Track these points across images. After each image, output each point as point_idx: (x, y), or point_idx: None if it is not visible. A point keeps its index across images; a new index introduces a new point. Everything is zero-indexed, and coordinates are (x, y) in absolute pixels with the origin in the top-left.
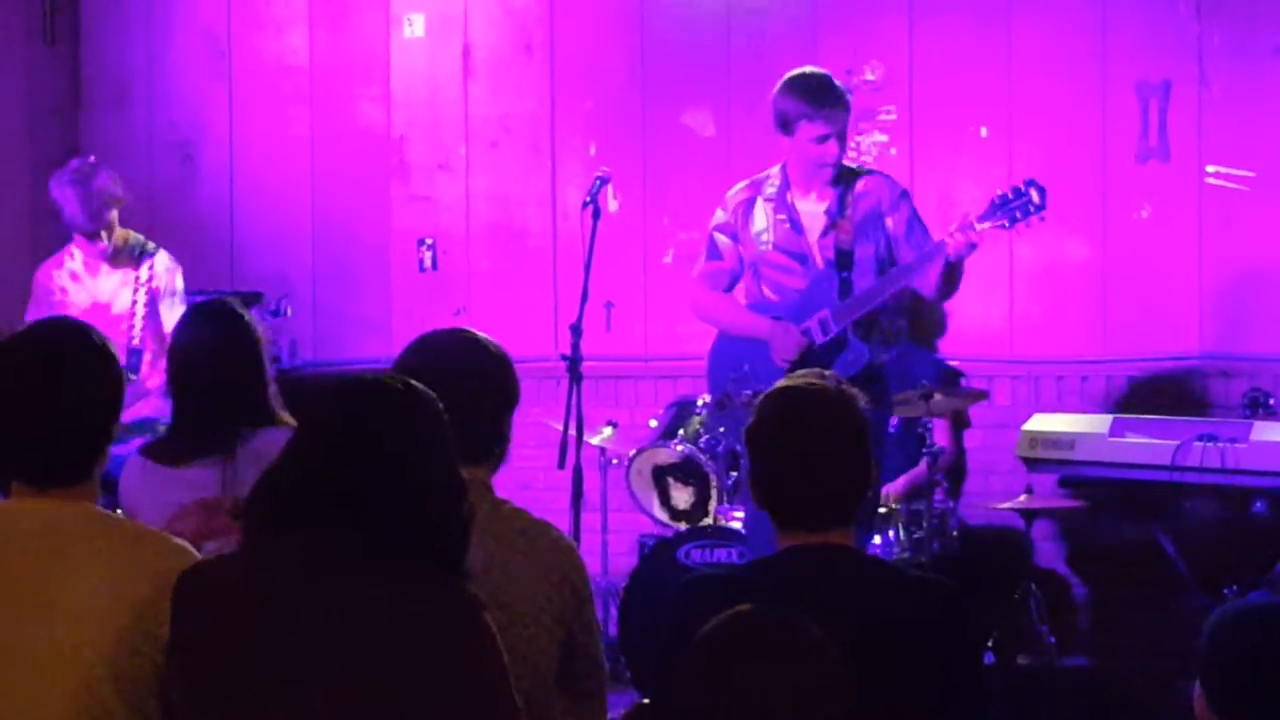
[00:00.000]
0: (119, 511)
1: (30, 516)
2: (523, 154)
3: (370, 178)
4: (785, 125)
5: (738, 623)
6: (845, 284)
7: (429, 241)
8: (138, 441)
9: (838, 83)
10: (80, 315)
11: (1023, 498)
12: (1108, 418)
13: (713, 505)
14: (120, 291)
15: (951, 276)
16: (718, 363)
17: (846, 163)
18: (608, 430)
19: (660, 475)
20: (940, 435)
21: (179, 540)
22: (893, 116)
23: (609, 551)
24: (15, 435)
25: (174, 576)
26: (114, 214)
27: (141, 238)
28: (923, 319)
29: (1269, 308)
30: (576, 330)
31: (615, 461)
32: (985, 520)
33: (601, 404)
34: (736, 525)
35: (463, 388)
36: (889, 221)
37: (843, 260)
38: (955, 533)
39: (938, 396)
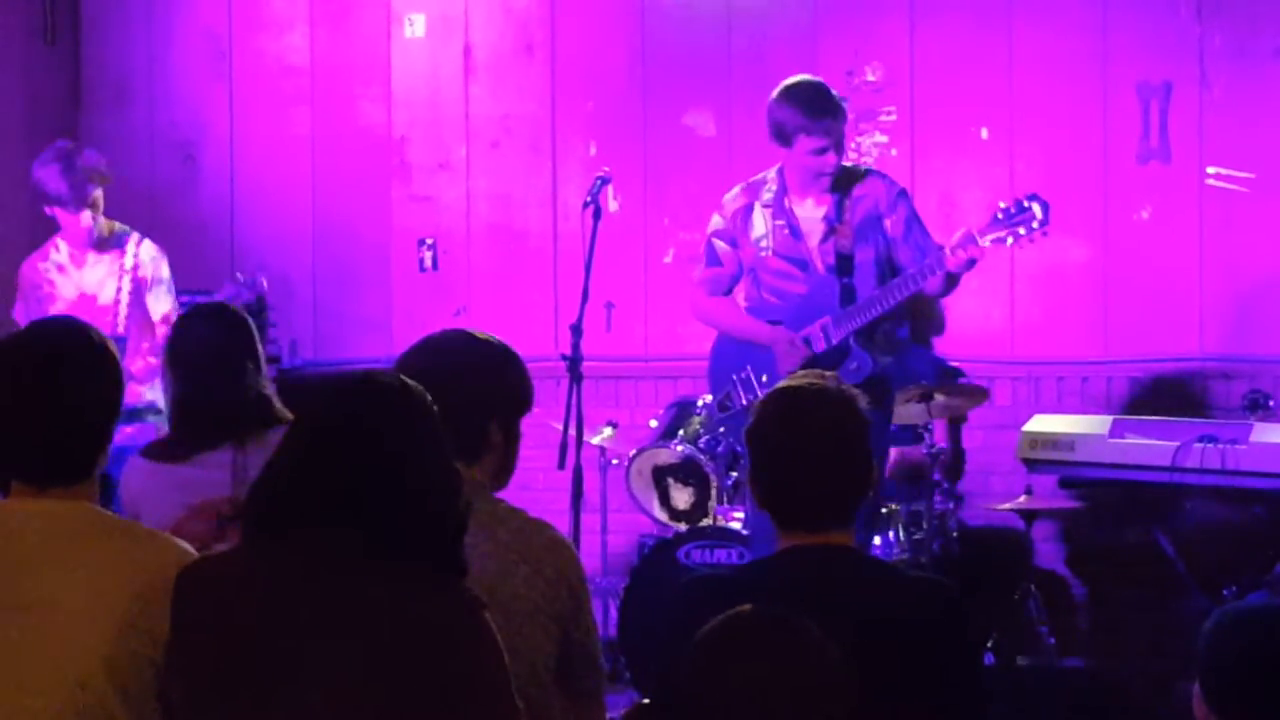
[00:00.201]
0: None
1: (30, 516)
2: (523, 154)
3: (371, 178)
4: (782, 137)
5: (738, 623)
6: (846, 289)
7: (429, 241)
8: (128, 430)
9: (833, 92)
10: (67, 307)
11: (1023, 499)
12: (1108, 419)
13: (713, 506)
14: (106, 281)
15: (951, 283)
16: (719, 363)
17: (844, 163)
18: (608, 430)
19: (660, 476)
20: (937, 433)
21: (178, 540)
22: (893, 117)
23: (609, 552)
24: (15, 435)
25: (173, 576)
26: (98, 193)
27: (126, 227)
28: (921, 317)
29: (1269, 309)
30: (577, 330)
31: (615, 462)
32: (985, 521)
33: (602, 404)
34: (736, 526)
35: (452, 386)
36: (887, 223)
37: (843, 265)
38: (955, 534)
39: (938, 396)
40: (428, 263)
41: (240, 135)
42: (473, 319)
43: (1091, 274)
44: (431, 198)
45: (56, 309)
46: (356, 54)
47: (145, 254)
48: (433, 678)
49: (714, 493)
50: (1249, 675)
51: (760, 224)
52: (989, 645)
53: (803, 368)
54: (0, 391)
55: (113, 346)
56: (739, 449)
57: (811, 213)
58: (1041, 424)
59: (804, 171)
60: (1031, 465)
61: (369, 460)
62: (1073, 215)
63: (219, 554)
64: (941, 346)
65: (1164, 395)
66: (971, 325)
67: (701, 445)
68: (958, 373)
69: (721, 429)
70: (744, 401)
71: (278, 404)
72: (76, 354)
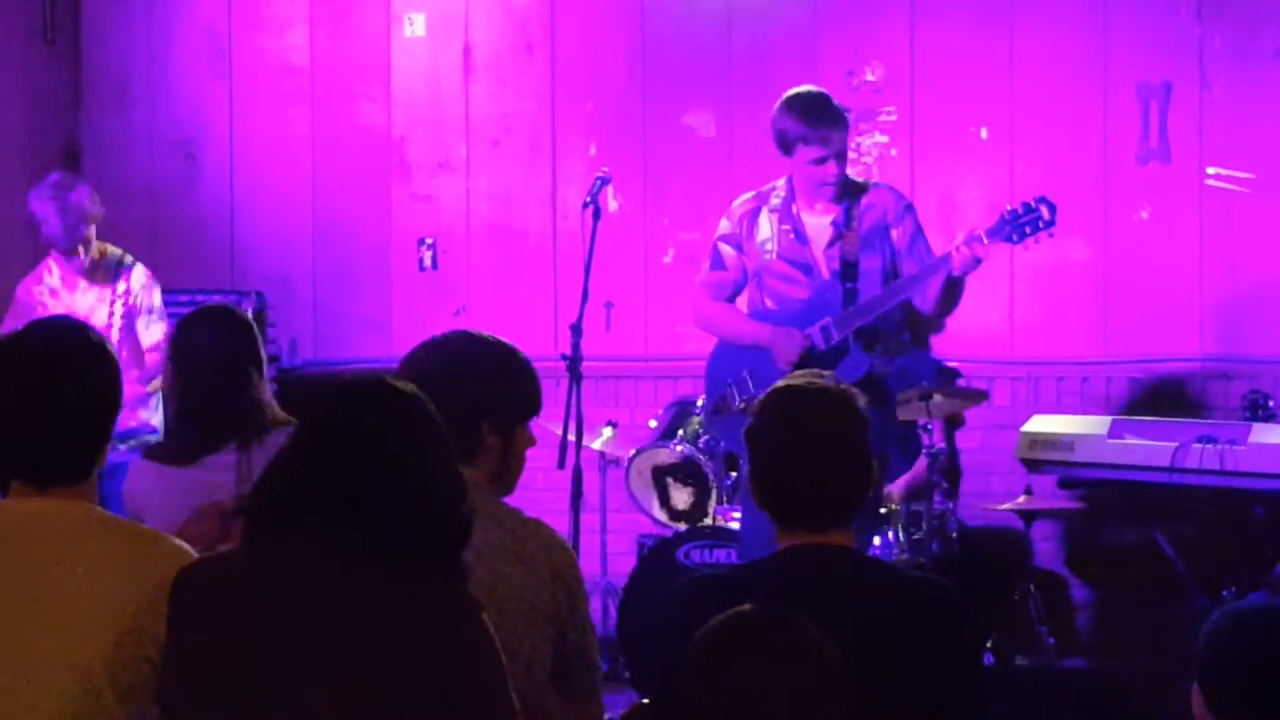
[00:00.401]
0: None
1: (30, 516)
2: (523, 154)
3: (371, 177)
4: (784, 146)
5: (737, 623)
6: (850, 294)
7: (429, 241)
8: (124, 451)
9: (835, 102)
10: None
11: (1022, 499)
12: (1107, 419)
13: (712, 506)
14: (97, 308)
15: (952, 291)
16: (717, 369)
17: (853, 176)
18: (607, 431)
19: (660, 476)
20: (934, 435)
21: (178, 540)
22: (893, 118)
23: (608, 552)
24: (14, 435)
25: (172, 576)
26: (91, 230)
27: (119, 251)
28: (919, 318)
29: (1269, 310)
30: (576, 330)
31: (615, 462)
32: (984, 521)
33: (601, 404)
34: (735, 526)
35: (448, 387)
36: (894, 234)
37: (848, 271)
38: (954, 534)
39: (937, 397)
40: (427, 262)
41: (240, 134)
42: (472, 319)
43: (1091, 274)
44: (431, 197)
45: None
46: (356, 53)
47: (136, 281)
48: (431, 678)
49: (713, 493)
50: (1248, 676)
51: (766, 227)
52: (988, 645)
53: (800, 365)
54: (0, 391)
55: (111, 346)
56: (735, 451)
57: (819, 219)
58: (1041, 424)
59: (808, 181)
60: (1031, 466)
61: (369, 460)
62: (1073, 216)
63: (217, 555)
64: (941, 347)
65: (1163, 396)
66: (971, 326)
67: (701, 445)
68: (956, 374)
69: (717, 433)
70: (739, 403)
71: (276, 408)
72: (75, 353)
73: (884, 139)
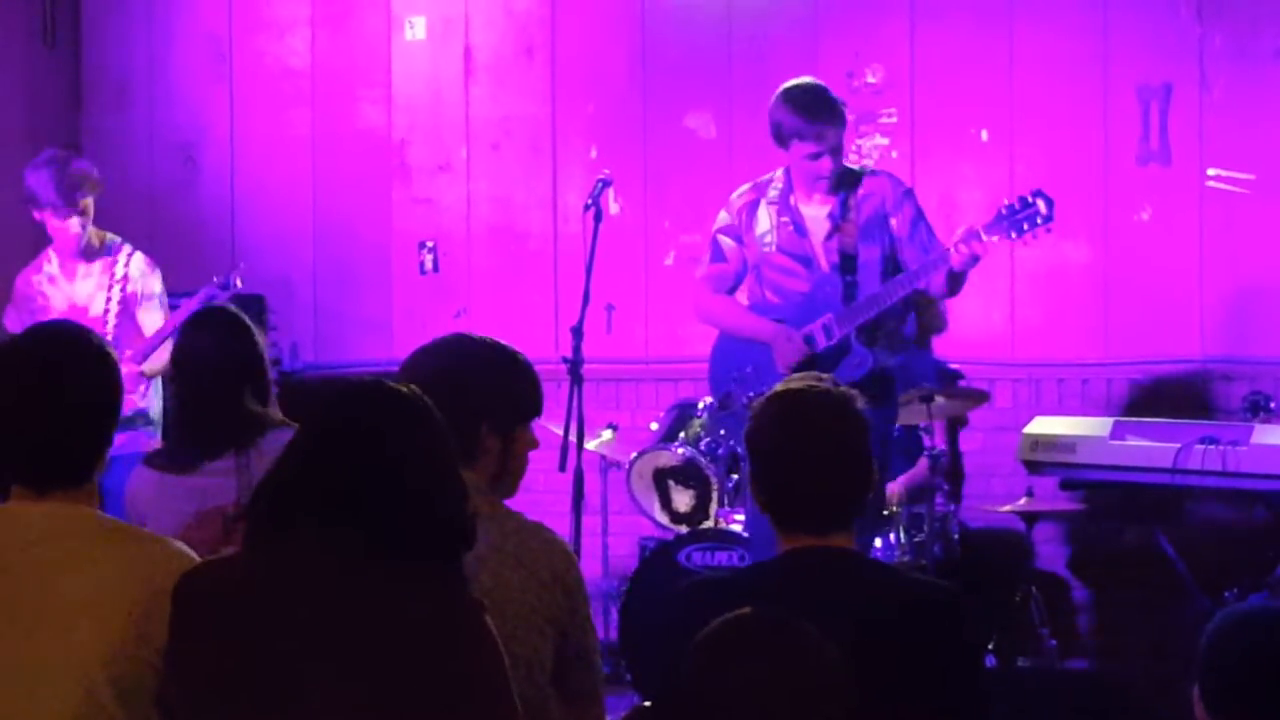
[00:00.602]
0: None
1: (30, 519)
2: (524, 156)
3: (371, 180)
4: (780, 138)
5: (738, 625)
6: (850, 287)
7: (430, 244)
8: (120, 438)
9: (833, 96)
10: (58, 318)
11: (1023, 500)
12: (1109, 421)
13: (713, 508)
14: (96, 295)
15: (956, 281)
16: (720, 363)
17: (849, 164)
18: (608, 433)
19: (661, 478)
20: (936, 436)
21: (178, 544)
22: (894, 119)
23: (610, 554)
24: (15, 438)
25: (173, 580)
26: (89, 201)
27: (118, 238)
28: (923, 316)
29: (1270, 311)
30: (577, 332)
31: (616, 464)
32: (986, 523)
33: (602, 406)
34: (737, 528)
35: (447, 389)
36: (893, 221)
37: (847, 264)
38: (956, 536)
39: (938, 399)
40: (428, 265)
41: (241, 137)
42: (473, 321)
43: (1092, 276)
44: (432, 200)
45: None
46: (357, 56)
47: (135, 268)
48: (433, 679)
49: (715, 495)
50: (1249, 678)
51: (765, 220)
52: (990, 647)
53: (803, 365)
54: (1, 394)
55: (112, 349)
56: (740, 451)
57: (817, 210)
58: (1042, 426)
59: (803, 173)
60: (1032, 467)
61: (369, 461)
62: (1073, 217)
63: (219, 558)
64: (942, 348)
65: (1165, 397)
66: (972, 327)
67: (702, 448)
68: (958, 375)
69: (722, 430)
70: (744, 400)
71: (275, 410)
72: (76, 357)
73: (884, 141)
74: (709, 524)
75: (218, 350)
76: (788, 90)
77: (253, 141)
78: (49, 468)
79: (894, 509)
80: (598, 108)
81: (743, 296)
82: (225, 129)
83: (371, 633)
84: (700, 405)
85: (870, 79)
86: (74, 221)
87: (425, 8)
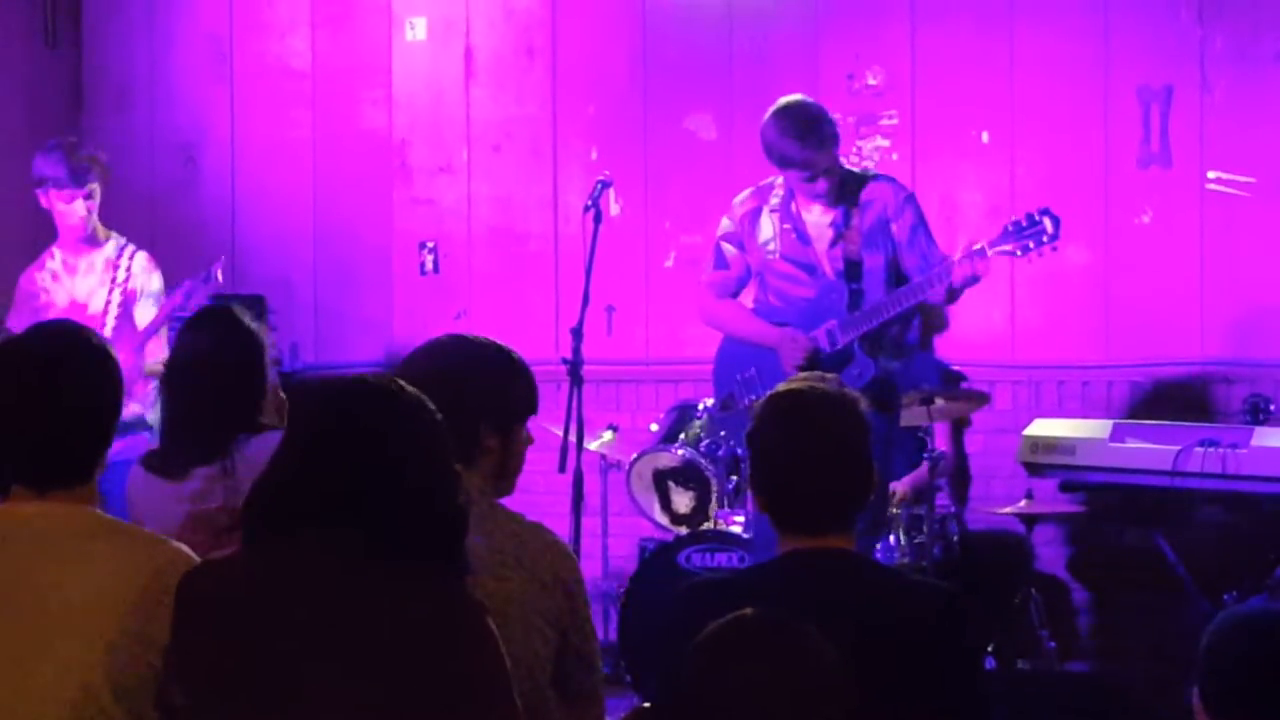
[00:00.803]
0: None
1: (30, 519)
2: (524, 158)
3: (372, 181)
4: (772, 160)
5: (738, 627)
6: (855, 295)
7: (430, 244)
8: (119, 444)
9: (823, 117)
10: (59, 315)
11: (1023, 503)
12: (1109, 423)
13: (713, 509)
14: (97, 291)
15: (953, 295)
16: (724, 365)
17: (851, 168)
18: (608, 434)
19: (661, 479)
20: (940, 439)
21: (177, 544)
22: (894, 121)
23: (609, 555)
24: (15, 438)
25: (172, 579)
26: (96, 186)
27: (123, 239)
28: (925, 317)
29: (1270, 313)
30: (577, 334)
31: (616, 465)
32: (986, 525)
33: (602, 408)
34: (737, 529)
35: (446, 390)
36: (893, 227)
37: (851, 271)
38: (956, 537)
39: (939, 401)
40: (429, 266)
41: (241, 138)
42: (473, 322)
43: (1092, 278)
44: (432, 201)
45: (50, 317)
46: (358, 57)
47: (137, 265)
48: (433, 679)
49: (714, 496)
50: (1249, 680)
51: (768, 227)
52: (989, 649)
53: (809, 365)
54: (1, 393)
55: (112, 349)
56: (740, 452)
57: (819, 218)
58: (1042, 428)
59: (802, 190)
60: (1032, 469)
61: (368, 460)
62: (1074, 219)
63: (220, 559)
64: (942, 350)
65: (1165, 399)
66: (972, 329)
67: (702, 449)
68: (960, 377)
69: (722, 432)
70: (746, 402)
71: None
72: (76, 356)
73: (885, 143)
74: (709, 525)
75: (208, 352)
76: (777, 114)
77: (253, 142)
78: (49, 467)
79: (895, 510)
80: (598, 109)
81: (748, 299)
82: (226, 130)
83: (372, 633)
84: (700, 406)
85: (871, 81)
86: (80, 204)
87: (426, 9)
